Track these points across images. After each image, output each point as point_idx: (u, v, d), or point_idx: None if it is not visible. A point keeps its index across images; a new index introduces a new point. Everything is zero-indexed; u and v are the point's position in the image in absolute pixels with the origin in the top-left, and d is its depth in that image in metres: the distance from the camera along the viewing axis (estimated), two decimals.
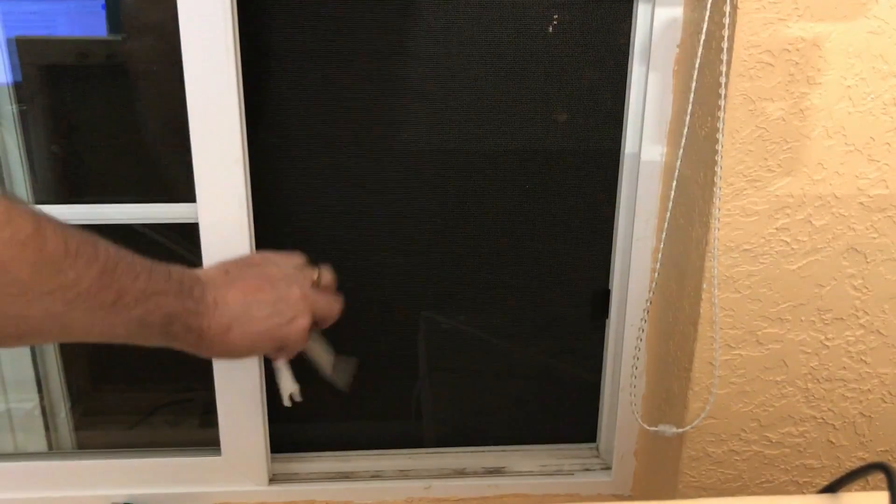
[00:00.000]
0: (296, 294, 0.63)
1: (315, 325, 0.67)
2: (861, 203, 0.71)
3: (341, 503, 0.93)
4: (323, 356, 0.76)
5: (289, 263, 0.66)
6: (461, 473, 0.96)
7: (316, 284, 0.67)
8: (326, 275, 0.69)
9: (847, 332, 0.77)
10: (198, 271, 0.59)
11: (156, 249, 0.89)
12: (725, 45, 0.66)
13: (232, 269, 0.62)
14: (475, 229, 0.87)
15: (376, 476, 0.95)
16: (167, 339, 0.55)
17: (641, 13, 0.78)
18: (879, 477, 0.53)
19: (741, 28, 0.65)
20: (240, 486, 0.92)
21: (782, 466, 0.83)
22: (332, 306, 0.68)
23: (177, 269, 0.56)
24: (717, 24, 0.67)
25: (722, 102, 0.67)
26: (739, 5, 0.64)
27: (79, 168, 0.87)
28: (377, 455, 0.97)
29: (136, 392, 0.97)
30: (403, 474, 0.95)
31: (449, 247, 0.88)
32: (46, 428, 0.96)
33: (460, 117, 0.83)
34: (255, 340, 0.60)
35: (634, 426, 0.93)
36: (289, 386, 0.76)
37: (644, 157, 0.82)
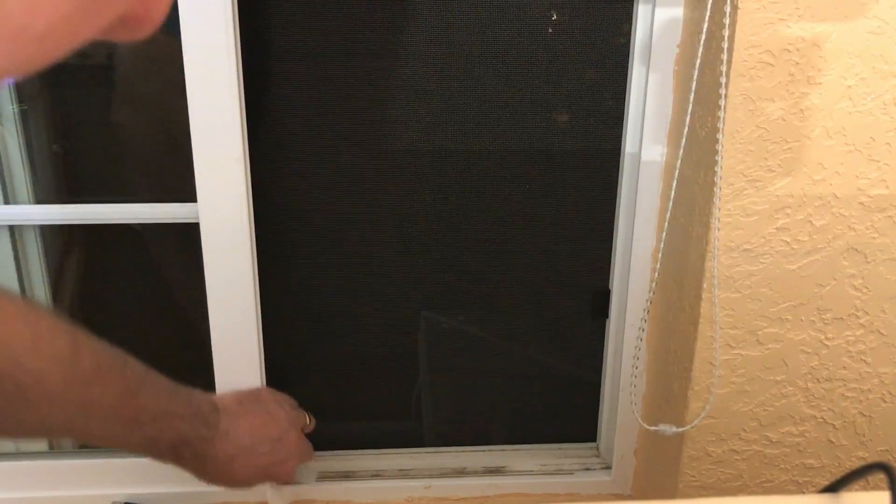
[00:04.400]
0: (293, 437, 0.69)
1: None
2: (861, 203, 0.71)
3: (341, 503, 0.93)
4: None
5: (288, 404, 0.72)
6: (461, 473, 0.96)
7: (305, 429, 0.74)
8: (313, 422, 0.76)
9: (847, 332, 0.77)
10: (215, 398, 0.64)
11: (155, 250, 0.89)
12: (726, 45, 0.66)
13: (245, 399, 0.67)
14: (475, 229, 0.87)
15: (376, 475, 0.95)
16: (174, 458, 0.58)
17: (641, 13, 0.78)
18: (880, 477, 0.53)
19: (741, 28, 0.65)
20: (230, 489, 0.92)
21: (782, 466, 0.83)
22: (310, 451, 0.75)
23: (197, 395, 0.60)
24: (717, 24, 0.67)
25: (722, 102, 0.67)
26: (740, 5, 0.64)
27: (79, 168, 0.87)
28: (377, 454, 0.97)
29: None
30: (403, 474, 0.95)
31: (449, 246, 0.88)
32: None
33: (460, 117, 0.83)
34: (252, 473, 0.65)
35: (634, 426, 0.93)
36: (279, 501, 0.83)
37: (644, 157, 0.82)
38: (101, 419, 0.51)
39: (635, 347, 0.87)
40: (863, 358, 0.78)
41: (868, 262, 0.74)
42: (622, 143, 0.84)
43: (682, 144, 0.75)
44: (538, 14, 0.79)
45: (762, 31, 0.65)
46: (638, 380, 0.90)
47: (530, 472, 0.96)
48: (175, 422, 0.56)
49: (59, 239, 0.90)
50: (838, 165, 0.70)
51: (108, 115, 0.84)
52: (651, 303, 0.85)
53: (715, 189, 0.70)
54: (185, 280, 0.88)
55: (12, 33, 0.19)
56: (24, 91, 0.83)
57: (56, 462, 0.91)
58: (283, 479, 0.72)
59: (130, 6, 0.23)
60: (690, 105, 0.73)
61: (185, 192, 0.81)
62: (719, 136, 0.68)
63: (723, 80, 0.67)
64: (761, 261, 0.74)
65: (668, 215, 0.78)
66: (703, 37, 0.69)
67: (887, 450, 0.83)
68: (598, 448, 0.99)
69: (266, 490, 0.84)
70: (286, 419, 0.70)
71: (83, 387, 0.48)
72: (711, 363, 0.77)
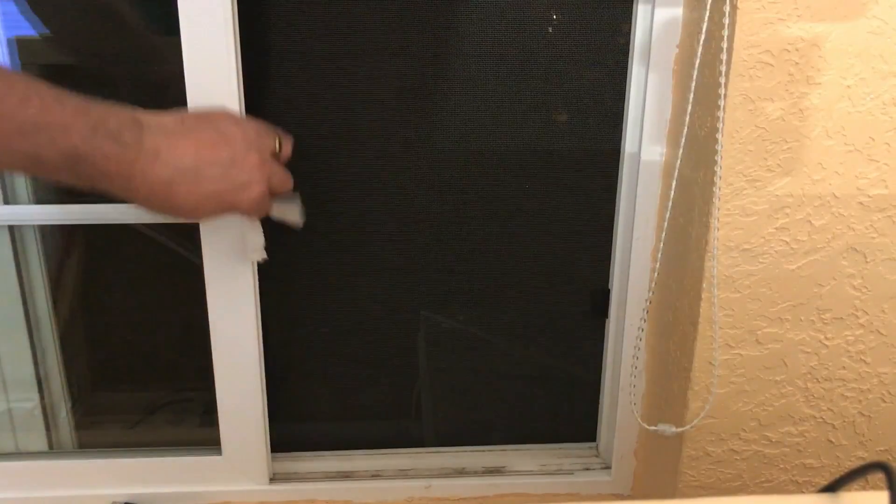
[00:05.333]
0: (253, 160, 0.59)
1: (271, 193, 0.62)
2: (861, 203, 0.71)
3: (341, 503, 0.93)
4: (287, 215, 0.70)
5: (251, 126, 0.62)
6: (461, 473, 0.96)
7: (275, 153, 0.63)
8: (287, 145, 0.65)
9: (846, 332, 0.77)
10: (141, 115, 0.54)
11: (156, 249, 0.89)
12: (725, 44, 0.66)
13: (189, 119, 0.57)
14: (475, 229, 0.87)
15: (376, 475, 0.95)
16: (79, 179, 0.50)
17: (641, 13, 0.78)
18: (879, 476, 0.53)
19: (741, 28, 0.65)
20: (240, 485, 0.92)
21: (782, 466, 0.83)
22: (287, 178, 0.63)
23: (106, 107, 0.51)
24: (716, 23, 0.67)
25: (722, 102, 0.68)
26: (739, 5, 0.64)
27: None
28: (377, 454, 0.97)
29: (136, 391, 0.97)
30: (403, 474, 0.95)
31: (449, 246, 0.88)
32: (47, 427, 0.96)
33: (461, 117, 0.83)
34: (201, 201, 0.56)
35: (634, 426, 0.93)
36: (254, 241, 0.72)
37: (644, 156, 0.82)
38: None
39: (635, 347, 0.87)
40: (862, 358, 0.78)
41: (867, 262, 0.74)
42: (622, 142, 0.84)
43: (682, 144, 0.75)
44: (538, 14, 0.79)
45: (762, 31, 0.65)
46: (637, 380, 0.90)
47: (530, 472, 0.96)
48: (57, 134, 0.47)
49: (59, 239, 0.90)
50: (838, 165, 0.70)
51: None
52: (651, 303, 0.85)
53: (714, 189, 0.70)
54: None
55: None
56: None
57: (56, 462, 0.91)
58: (248, 208, 0.60)
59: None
60: (690, 105, 0.73)
61: None
62: (719, 135, 0.68)
63: (722, 80, 0.67)
64: (761, 261, 0.74)
65: (668, 215, 0.78)
66: (703, 37, 0.69)
67: (886, 449, 0.83)
68: (597, 448, 0.99)
69: (242, 225, 0.75)
70: (243, 139, 0.59)
71: None
72: (711, 363, 0.77)
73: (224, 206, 0.58)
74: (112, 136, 0.50)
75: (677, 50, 0.78)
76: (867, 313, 0.76)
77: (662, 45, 0.78)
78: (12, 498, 0.91)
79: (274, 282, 0.87)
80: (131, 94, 0.83)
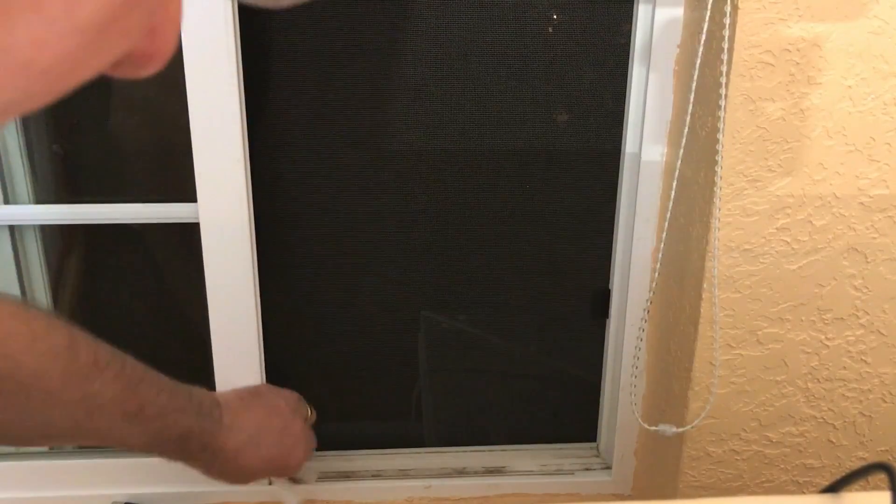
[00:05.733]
0: (298, 427, 0.70)
1: None
2: (861, 203, 0.71)
3: (341, 502, 0.93)
4: (305, 475, 0.85)
5: (290, 397, 0.73)
6: (461, 473, 0.96)
7: (308, 421, 0.74)
8: (314, 413, 0.77)
9: (847, 332, 0.77)
10: (216, 394, 0.65)
11: (156, 249, 0.89)
12: (726, 45, 0.66)
13: (245, 395, 0.68)
14: (475, 229, 0.87)
15: (376, 476, 0.95)
16: (182, 454, 0.59)
17: (641, 13, 0.78)
18: (881, 477, 0.53)
19: (741, 28, 0.65)
20: (240, 485, 0.92)
21: (783, 466, 0.83)
22: (314, 443, 0.75)
23: (197, 391, 0.61)
24: (717, 24, 0.67)
25: (722, 102, 0.67)
26: (740, 5, 0.64)
27: (79, 168, 0.87)
28: (377, 454, 0.97)
29: None
30: (404, 474, 0.95)
31: (449, 246, 0.88)
32: None
33: (460, 117, 0.83)
34: (260, 465, 0.65)
35: (635, 426, 0.93)
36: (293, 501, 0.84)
37: (644, 157, 0.82)
38: (104, 415, 0.51)
39: (635, 347, 0.87)
40: (863, 358, 0.78)
41: (868, 263, 0.74)
42: (622, 143, 0.84)
43: (683, 144, 0.74)
44: (538, 14, 0.79)
45: (762, 31, 0.65)
46: (638, 380, 0.90)
47: (530, 472, 0.96)
48: (179, 416, 0.57)
49: (59, 239, 0.90)
50: (838, 165, 0.70)
51: (108, 115, 0.84)
52: (651, 303, 0.85)
53: (715, 189, 0.70)
54: (185, 280, 0.88)
55: (18, 67, 0.19)
56: None
57: (56, 462, 0.91)
58: (292, 470, 0.71)
59: (138, 42, 0.23)
60: (690, 105, 0.73)
61: (185, 192, 0.81)
62: (719, 136, 0.68)
63: (723, 80, 0.67)
64: (761, 261, 0.74)
65: (669, 215, 0.78)
66: (703, 37, 0.69)
67: (887, 450, 0.83)
68: (598, 448, 0.99)
69: (277, 489, 0.85)
70: (289, 410, 0.70)
71: (82, 382, 0.49)
72: (711, 363, 0.77)
73: (279, 468, 0.69)
74: (209, 415, 0.60)
75: (678, 50, 0.78)
76: (868, 313, 0.76)
77: (663, 45, 0.78)
78: (12, 498, 0.91)
79: (274, 282, 0.87)
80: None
